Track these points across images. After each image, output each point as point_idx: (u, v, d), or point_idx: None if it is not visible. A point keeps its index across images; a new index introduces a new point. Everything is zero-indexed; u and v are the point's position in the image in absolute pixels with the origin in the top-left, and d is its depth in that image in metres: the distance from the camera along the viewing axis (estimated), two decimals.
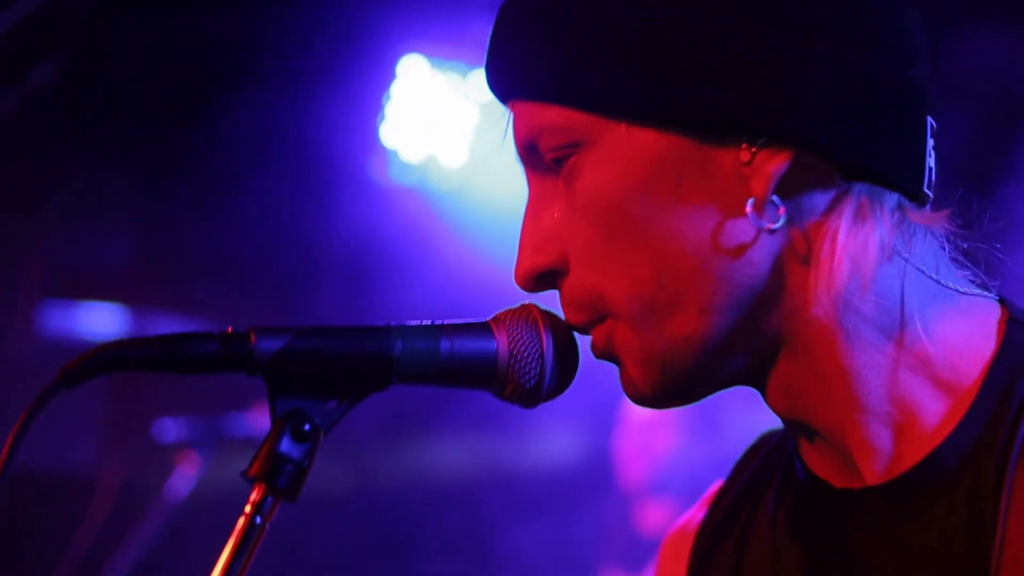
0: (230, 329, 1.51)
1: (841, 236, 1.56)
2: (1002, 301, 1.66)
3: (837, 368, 1.59)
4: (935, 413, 1.59)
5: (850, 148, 1.55)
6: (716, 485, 1.97)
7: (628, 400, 1.84)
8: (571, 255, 1.60)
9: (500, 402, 1.68)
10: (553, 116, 1.57)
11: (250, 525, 1.48)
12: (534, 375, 1.60)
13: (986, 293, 1.65)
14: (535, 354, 1.60)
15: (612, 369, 1.69)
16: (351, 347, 1.54)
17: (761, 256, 1.57)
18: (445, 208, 6.03)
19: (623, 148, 1.55)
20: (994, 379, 1.58)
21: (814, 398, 1.62)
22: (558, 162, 1.59)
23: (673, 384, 1.61)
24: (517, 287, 1.66)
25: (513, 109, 1.64)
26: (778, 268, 1.58)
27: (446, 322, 1.61)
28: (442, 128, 5.86)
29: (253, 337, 1.51)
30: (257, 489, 1.50)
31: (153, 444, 4.95)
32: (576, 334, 1.65)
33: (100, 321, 6.15)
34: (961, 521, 1.55)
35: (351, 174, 5.90)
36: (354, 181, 5.90)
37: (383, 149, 5.86)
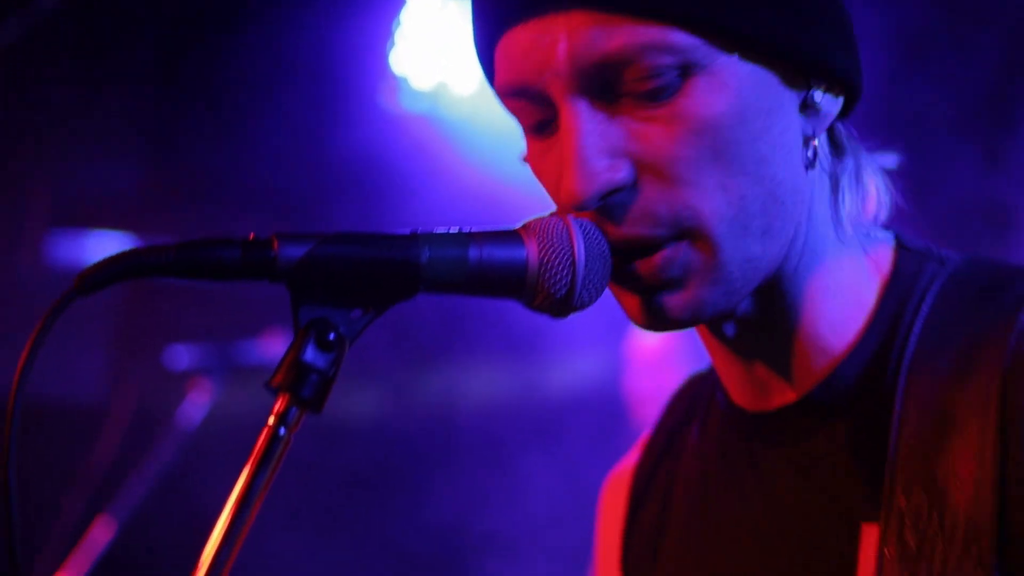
0: (252, 235, 1.46)
1: (864, 170, 1.75)
2: (891, 230, 1.80)
3: (804, 293, 1.72)
4: (850, 332, 1.73)
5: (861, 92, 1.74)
6: (649, 430, 2.08)
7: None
8: (649, 172, 1.60)
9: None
10: (668, 36, 1.56)
11: (273, 436, 1.44)
12: (565, 283, 1.56)
13: (877, 227, 1.80)
14: (566, 262, 1.55)
15: None
16: (377, 254, 1.49)
17: (808, 185, 1.69)
18: (456, 135, 5.98)
19: (735, 75, 1.60)
20: (888, 302, 1.72)
21: (775, 323, 1.73)
22: (652, 83, 1.57)
23: (724, 303, 1.65)
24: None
25: (576, 23, 1.57)
26: (813, 199, 1.71)
27: (474, 229, 1.56)
28: (453, 55, 5.79)
29: (276, 243, 1.45)
30: (281, 399, 1.45)
31: (164, 372, 4.93)
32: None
33: (108, 249, 6.12)
34: (862, 430, 1.68)
35: (361, 101, 5.85)
36: (364, 108, 5.86)
37: (393, 76, 5.80)
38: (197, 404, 4.87)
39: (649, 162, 1.59)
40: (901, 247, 1.78)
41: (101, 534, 4.65)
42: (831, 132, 1.75)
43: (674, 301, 1.63)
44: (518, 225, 1.59)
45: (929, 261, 1.76)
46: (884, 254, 1.77)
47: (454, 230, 1.55)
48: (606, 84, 1.59)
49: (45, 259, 6.03)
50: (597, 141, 1.59)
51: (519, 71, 1.62)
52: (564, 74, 1.58)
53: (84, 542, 4.61)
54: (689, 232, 1.60)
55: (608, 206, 1.60)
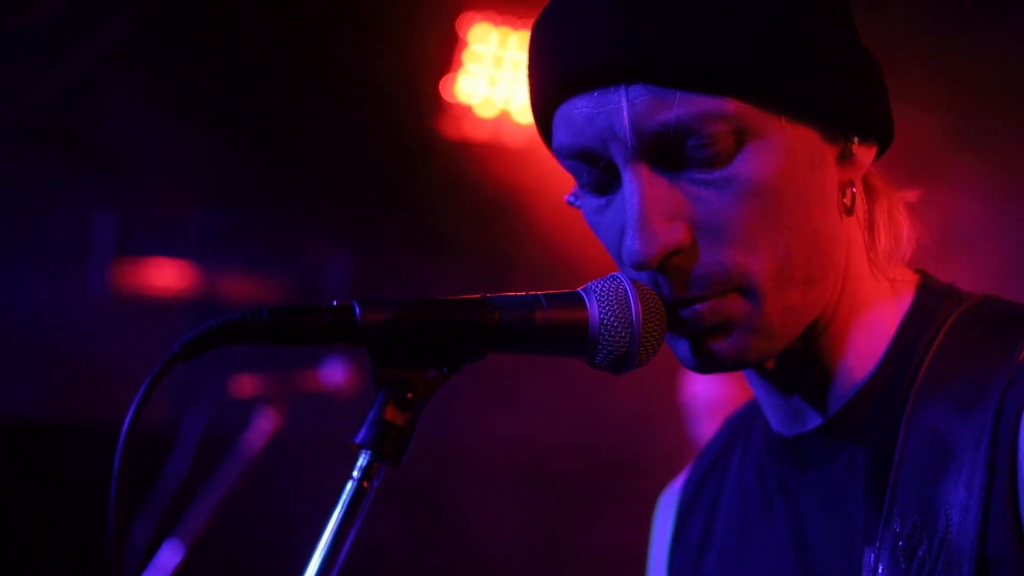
0: (335, 302, 1.55)
1: (896, 209, 1.85)
2: (919, 271, 1.90)
3: (840, 329, 1.82)
4: (871, 361, 1.83)
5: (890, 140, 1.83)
6: (700, 452, 2.22)
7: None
8: (705, 233, 1.69)
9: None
10: (721, 105, 1.65)
11: (358, 489, 1.54)
12: (623, 343, 1.65)
13: (904, 266, 1.89)
14: (624, 323, 1.65)
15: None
16: (451, 318, 1.58)
17: (845, 233, 1.79)
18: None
19: (783, 139, 1.69)
20: (903, 334, 1.83)
21: (812, 358, 1.83)
22: (709, 149, 1.66)
23: (767, 348, 1.75)
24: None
25: (636, 95, 1.66)
26: (849, 244, 1.81)
27: (539, 293, 1.66)
28: (515, 87, 5.96)
29: (358, 309, 1.54)
30: (364, 455, 1.55)
31: (230, 398, 5.01)
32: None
33: (171, 278, 6.25)
34: (873, 456, 1.77)
35: (426, 130, 5.95)
36: (429, 137, 5.96)
37: (459, 105, 5.94)
38: (261, 430, 4.97)
39: (705, 224, 1.68)
40: (923, 285, 1.88)
41: (169, 558, 4.75)
42: (865, 176, 1.83)
43: (721, 346, 1.72)
44: (580, 288, 1.69)
45: (948, 299, 1.85)
46: (908, 290, 1.87)
47: (520, 293, 1.65)
48: (665, 150, 1.67)
49: (111, 285, 6.15)
50: (657, 205, 1.68)
51: (581, 136, 1.71)
52: (627, 141, 1.67)
53: (152, 566, 4.71)
54: (738, 287, 1.70)
55: (666, 266, 1.69)
